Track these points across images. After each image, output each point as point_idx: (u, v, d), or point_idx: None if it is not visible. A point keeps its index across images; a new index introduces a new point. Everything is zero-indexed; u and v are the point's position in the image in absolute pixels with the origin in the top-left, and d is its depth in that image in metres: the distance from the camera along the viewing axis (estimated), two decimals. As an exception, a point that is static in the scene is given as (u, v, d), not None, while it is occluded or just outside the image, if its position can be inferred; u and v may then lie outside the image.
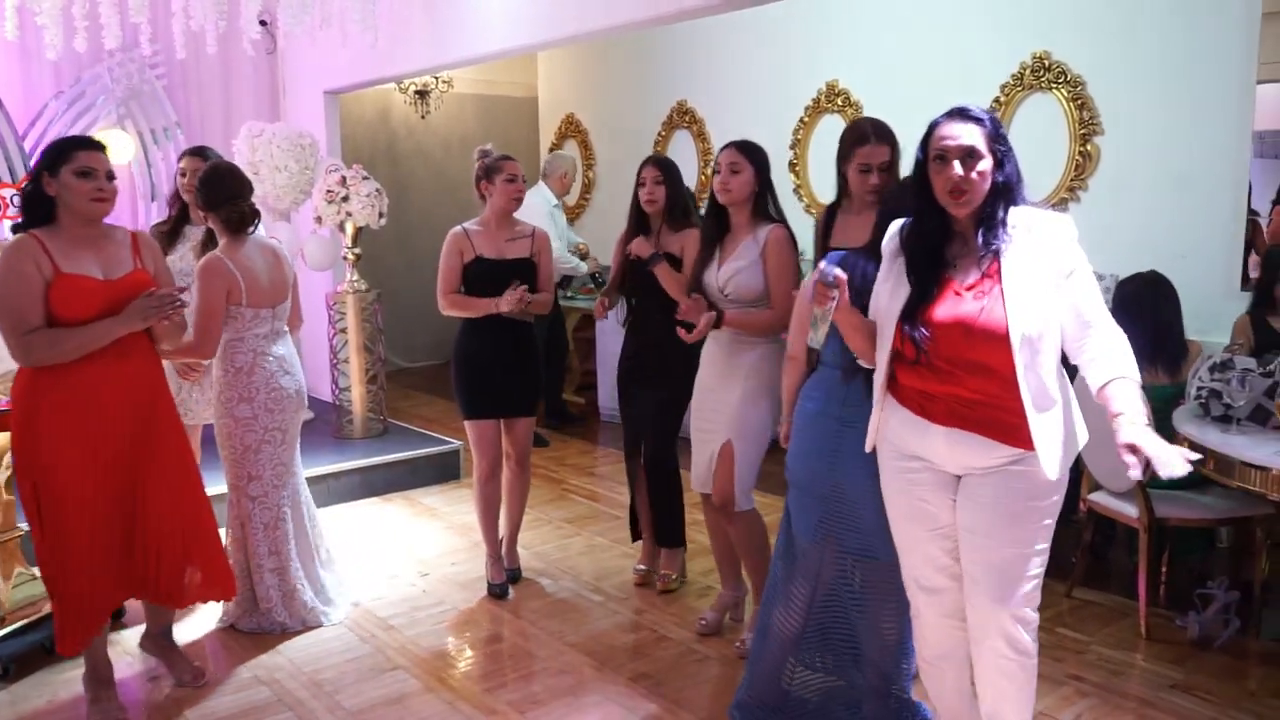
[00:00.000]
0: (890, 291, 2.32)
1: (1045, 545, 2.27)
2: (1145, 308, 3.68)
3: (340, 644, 3.42)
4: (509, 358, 3.64)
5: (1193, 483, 3.12)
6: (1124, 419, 2.03)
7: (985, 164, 2.16)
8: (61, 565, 2.72)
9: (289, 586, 3.47)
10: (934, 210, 2.24)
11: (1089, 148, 4.96)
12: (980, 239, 2.19)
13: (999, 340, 2.13)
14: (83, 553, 2.72)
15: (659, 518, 3.76)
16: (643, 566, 3.93)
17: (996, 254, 2.17)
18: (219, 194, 3.34)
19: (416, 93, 8.17)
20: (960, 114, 2.20)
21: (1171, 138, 4.66)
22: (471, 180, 3.74)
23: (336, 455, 5.18)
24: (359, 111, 8.31)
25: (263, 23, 5.65)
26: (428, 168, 8.70)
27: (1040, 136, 5.12)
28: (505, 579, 3.83)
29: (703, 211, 3.39)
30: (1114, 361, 2.13)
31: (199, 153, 3.97)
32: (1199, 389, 3.13)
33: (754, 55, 6.50)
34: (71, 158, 2.66)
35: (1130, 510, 3.45)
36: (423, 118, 8.37)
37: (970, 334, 2.17)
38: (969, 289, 2.20)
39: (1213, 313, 4.31)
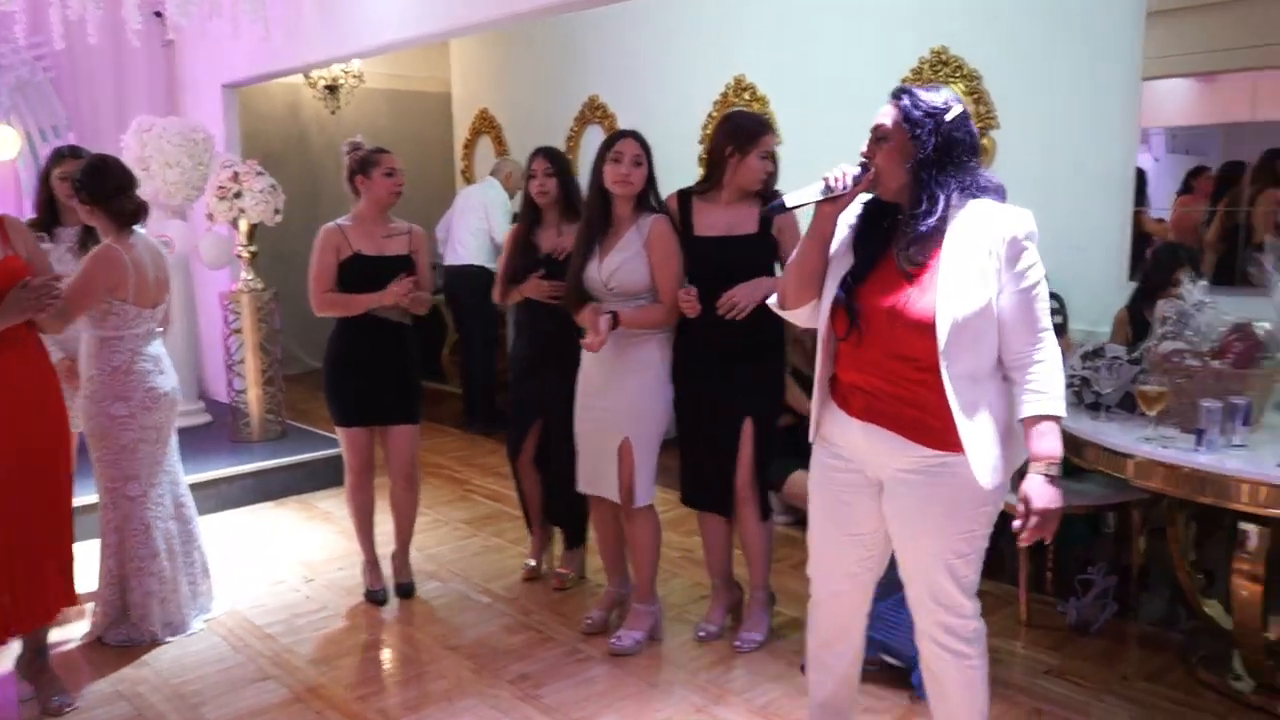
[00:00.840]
0: (838, 261, 2.21)
1: (973, 553, 2.17)
2: None
3: (212, 654, 3.30)
4: (384, 362, 3.51)
5: (1071, 471, 3.15)
6: (1038, 468, 2.03)
7: (889, 149, 2.09)
8: None
9: (164, 593, 3.35)
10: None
11: (985, 141, 5.00)
12: (918, 222, 2.08)
13: (925, 330, 2.04)
14: None
15: (565, 513, 3.71)
16: (532, 562, 3.89)
17: (938, 240, 2.07)
18: (105, 185, 3.21)
19: (326, 88, 8.01)
20: (893, 94, 2.15)
21: (1063, 132, 4.71)
22: (345, 175, 3.62)
23: (231, 459, 5.04)
24: (268, 106, 8.12)
25: (157, 13, 5.49)
26: (340, 163, 8.49)
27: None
28: (383, 586, 3.73)
29: None
30: (1049, 397, 2.05)
31: (74, 154, 3.82)
32: (1070, 376, 3.15)
33: (663, 49, 6.47)
34: None
35: (1012, 499, 3.46)
36: (333, 113, 8.21)
37: (895, 320, 2.09)
38: (907, 272, 2.11)
39: (1104, 305, 4.37)
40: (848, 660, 2.43)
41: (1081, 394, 3.18)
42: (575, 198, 3.50)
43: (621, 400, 3.05)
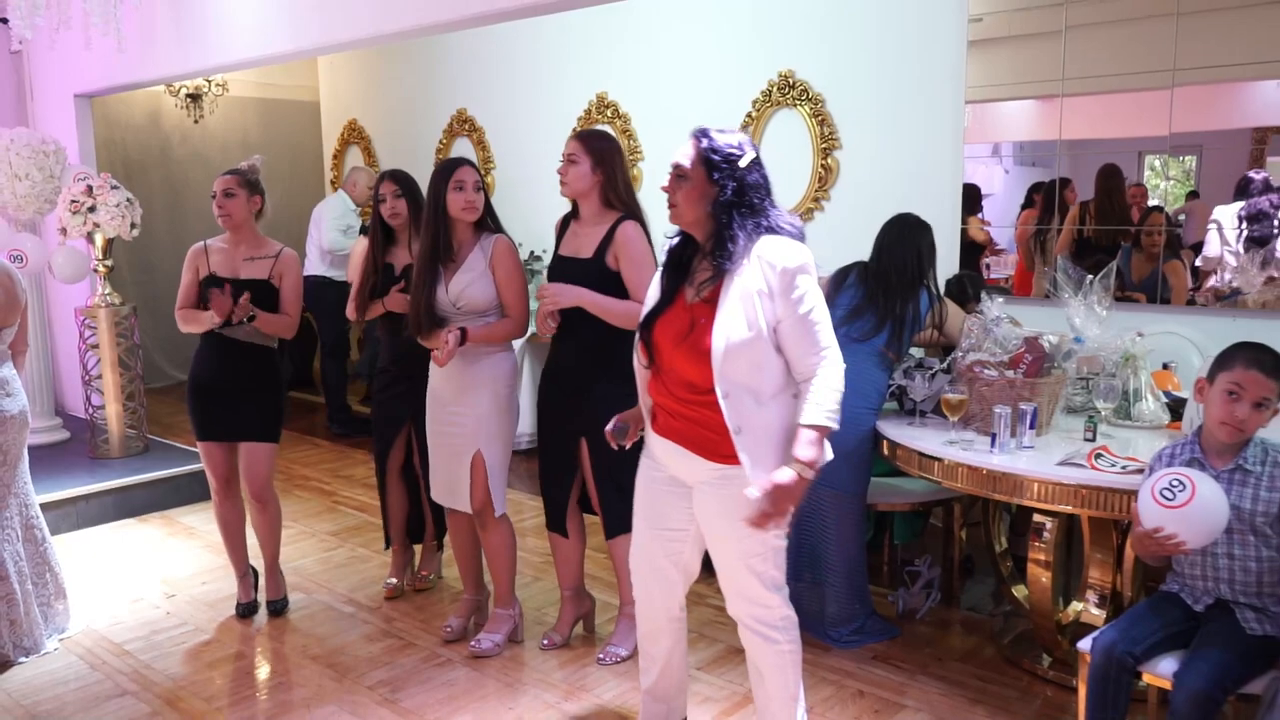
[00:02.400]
0: (650, 298, 2.43)
1: (768, 552, 2.36)
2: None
3: (68, 673, 3.31)
4: (240, 380, 3.51)
5: (897, 470, 3.44)
6: (794, 466, 2.21)
7: (689, 189, 2.28)
8: None
9: (13, 615, 3.33)
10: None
11: (829, 161, 5.32)
12: (710, 259, 2.29)
13: (704, 356, 2.25)
14: None
15: (436, 516, 3.82)
16: (393, 580, 3.95)
17: (723, 275, 2.27)
18: None
19: (188, 96, 7.87)
20: (691, 134, 2.32)
21: (899, 152, 5.06)
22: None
23: (89, 476, 4.97)
24: (128, 115, 7.93)
25: (2, 20, 5.36)
26: (206, 172, 8.35)
27: (789, 150, 5.45)
28: (254, 598, 3.78)
29: None
30: (817, 409, 2.24)
31: None
32: (891, 385, 3.44)
33: (530, 66, 6.62)
34: None
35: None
36: (195, 122, 8.07)
37: (679, 347, 2.31)
38: (693, 305, 2.32)
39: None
40: (665, 649, 2.63)
41: (902, 401, 3.47)
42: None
43: (472, 414, 3.18)
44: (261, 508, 3.67)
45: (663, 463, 2.47)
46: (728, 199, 2.26)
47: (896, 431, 3.28)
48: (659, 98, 5.96)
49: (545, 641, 3.42)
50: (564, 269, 3.08)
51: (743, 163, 2.29)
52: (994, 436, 2.94)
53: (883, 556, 4.17)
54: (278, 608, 3.78)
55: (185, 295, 3.57)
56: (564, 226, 3.22)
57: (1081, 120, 4.52)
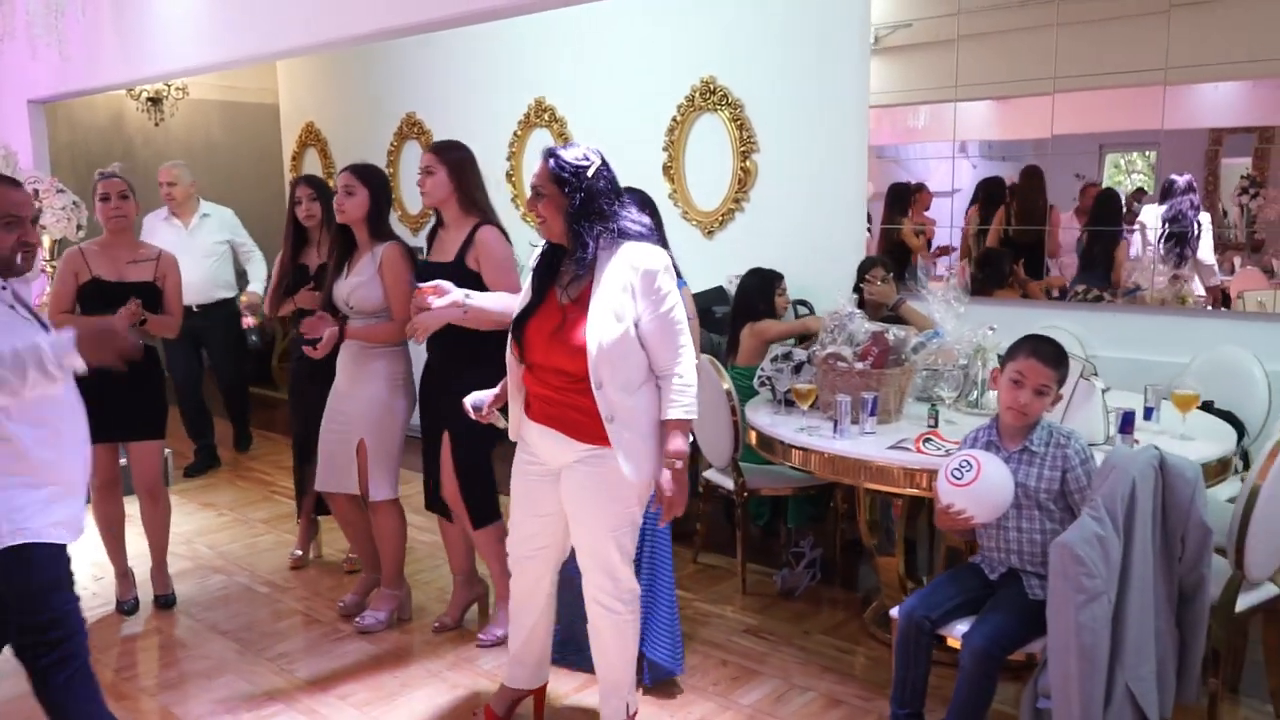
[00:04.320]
0: (522, 300, 2.66)
1: (631, 527, 2.62)
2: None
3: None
4: (124, 379, 3.32)
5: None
6: (667, 462, 2.48)
7: (547, 204, 2.51)
8: None
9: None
10: None
11: (748, 164, 5.54)
12: (575, 262, 2.52)
13: (577, 350, 2.48)
14: None
15: None
16: (299, 551, 4.27)
17: (590, 277, 2.50)
18: None
19: (149, 99, 8.10)
20: (543, 154, 2.54)
21: (809, 155, 5.29)
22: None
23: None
24: (90, 118, 8.17)
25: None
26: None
27: (711, 153, 5.68)
28: (134, 596, 3.86)
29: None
30: (678, 405, 2.50)
31: None
32: (760, 377, 3.67)
33: (474, 71, 6.84)
34: None
35: (729, 483, 3.98)
36: (156, 125, 8.29)
37: (552, 342, 2.53)
38: (564, 305, 2.54)
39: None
40: (535, 617, 2.85)
41: (774, 390, 3.70)
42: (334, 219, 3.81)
43: (358, 406, 3.43)
44: (153, 503, 3.77)
45: (537, 450, 2.66)
46: (577, 208, 2.50)
47: (760, 420, 3.51)
48: (591, 101, 6.18)
49: (436, 624, 3.64)
50: (430, 272, 3.29)
51: (590, 173, 2.51)
52: (835, 422, 3.17)
53: (779, 540, 4.41)
54: (167, 602, 3.87)
55: (60, 301, 3.56)
56: (433, 235, 3.45)
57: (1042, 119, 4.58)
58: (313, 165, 8.19)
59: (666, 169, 5.87)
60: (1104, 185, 4.52)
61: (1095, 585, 2.30)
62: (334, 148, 8.04)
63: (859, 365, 3.29)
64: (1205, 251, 4.26)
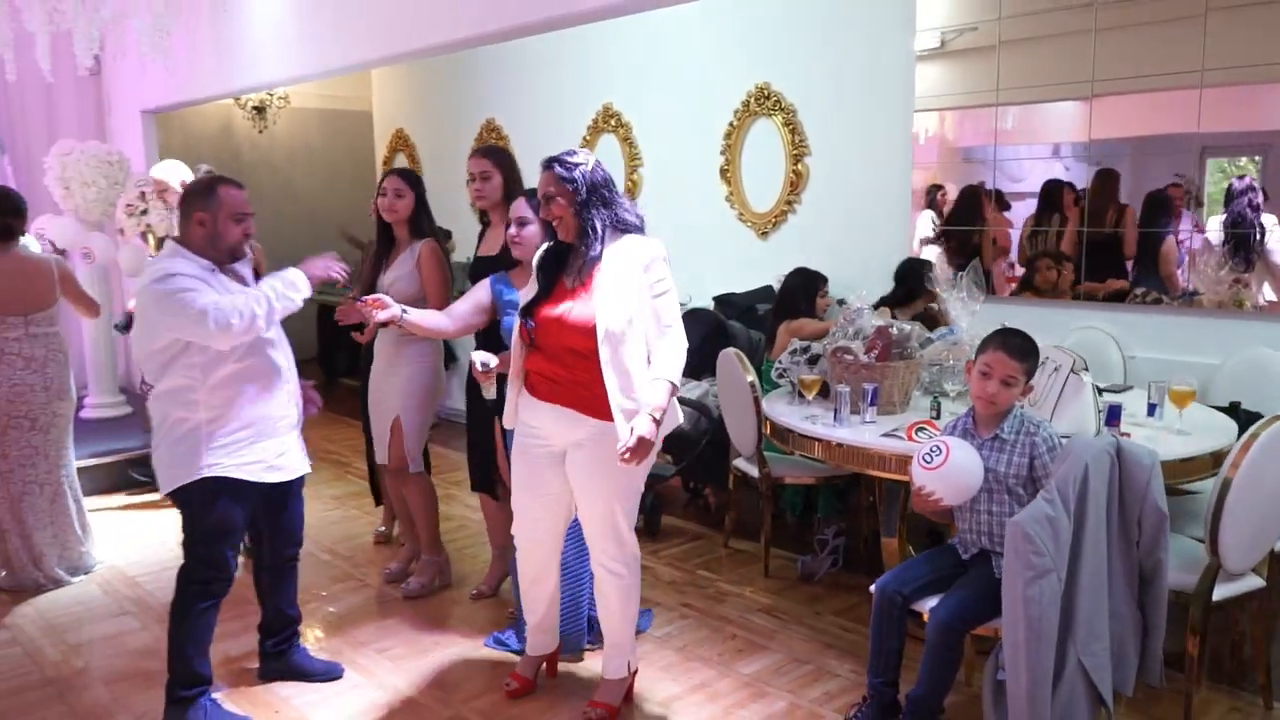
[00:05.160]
0: (526, 293, 2.95)
1: (636, 496, 2.90)
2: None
3: (85, 596, 4.01)
4: None
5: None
6: (646, 409, 2.69)
7: (560, 203, 2.79)
8: None
9: (35, 552, 4.04)
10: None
11: (800, 167, 5.72)
12: (581, 257, 2.82)
13: (587, 331, 2.74)
14: None
15: None
16: (382, 528, 4.59)
17: (593, 266, 2.78)
18: None
19: (254, 109, 8.69)
20: (544, 164, 2.83)
21: (857, 158, 5.44)
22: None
23: (137, 444, 5.72)
24: (202, 126, 8.81)
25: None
26: (274, 179, 9.23)
27: (766, 157, 5.88)
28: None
29: None
30: (663, 367, 2.75)
31: None
32: (777, 369, 3.86)
33: (547, 78, 7.18)
34: None
35: (755, 471, 4.17)
36: (260, 132, 8.89)
37: (564, 325, 2.79)
38: (572, 292, 2.82)
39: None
40: (549, 591, 3.11)
41: (791, 383, 3.88)
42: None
43: (394, 387, 3.77)
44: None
45: (542, 430, 2.89)
46: (584, 198, 2.79)
47: (773, 410, 3.70)
48: (653, 107, 6.45)
49: (474, 593, 3.94)
50: (481, 265, 3.58)
51: (588, 167, 2.81)
52: (836, 411, 3.35)
53: (812, 529, 4.58)
54: None
55: None
56: (482, 232, 3.77)
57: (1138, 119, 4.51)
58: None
59: (724, 172, 6.09)
60: (1208, 190, 4.36)
61: (1043, 563, 2.44)
62: (421, 152, 8.49)
63: (864, 358, 3.46)
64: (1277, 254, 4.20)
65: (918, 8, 5.05)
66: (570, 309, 2.80)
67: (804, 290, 4.47)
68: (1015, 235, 5.00)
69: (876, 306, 4.36)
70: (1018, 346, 2.70)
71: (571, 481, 2.91)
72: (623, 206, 2.87)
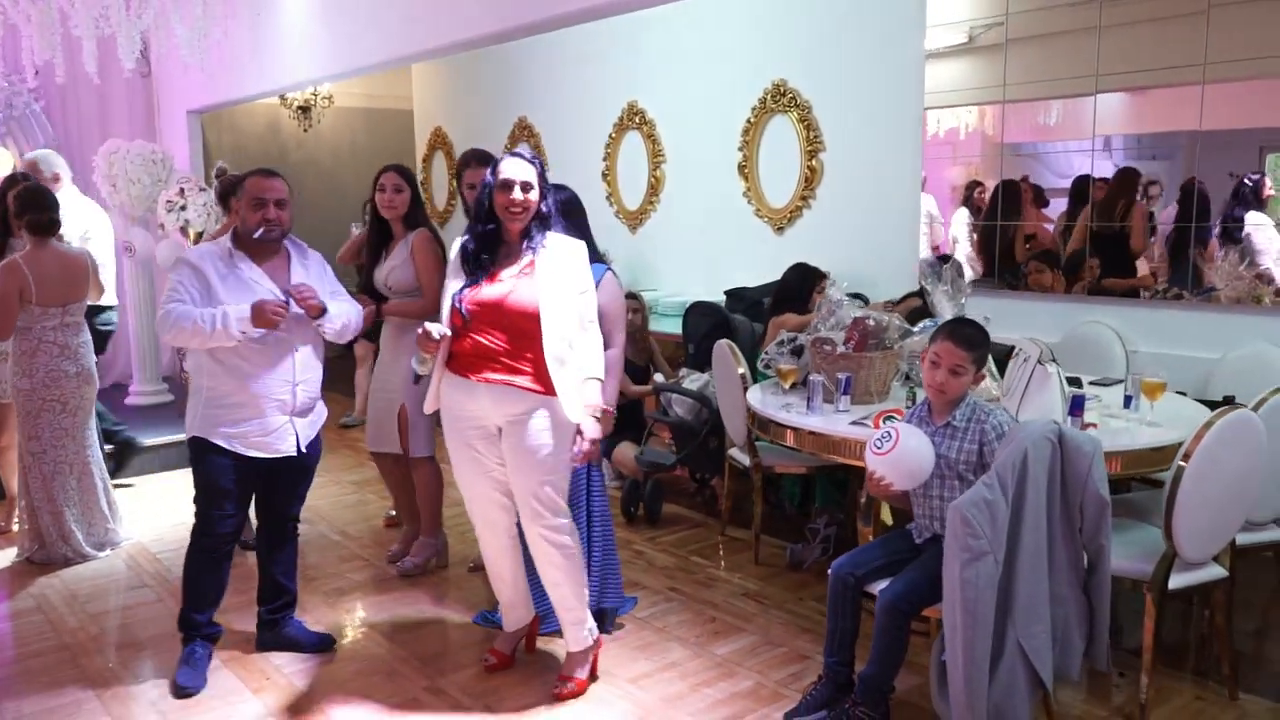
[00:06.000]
0: (450, 285, 3.05)
1: (564, 468, 2.98)
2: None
3: (109, 570, 4.26)
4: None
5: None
6: (589, 411, 2.91)
7: (534, 193, 2.96)
8: None
9: (65, 529, 4.29)
10: (493, 221, 3.00)
11: (815, 163, 5.77)
12: (524, 244, 2.98)
13: (529, 313, 2.89)
14: None
15: None
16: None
17: (533, 256, 2.96)
18: (21, 207, 4.19)
19: (299, 108, 8.98)
20: (518, 156, 2.99)
21: (870, 155, 5.48)
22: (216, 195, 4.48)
23: (172, 429, 5.99)
24: (250, 125, 9.13)
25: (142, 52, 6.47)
26: (319, 176, 9.53)
27: (781, 153, 5.94)
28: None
29: None
30: (590, 365, 2.98)
31: (24, 179, 4.76)
32: (763, 360, 3.94)
33: (576, 77, 7.33)
34: None
35: (747, 460, 4.25)
36: (305, 131, 9.18)
37: (504, 306, 2.92)
38: (510, 278, 2.95)
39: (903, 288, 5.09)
40: (512, 567, 3.21)
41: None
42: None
43: (399, 375, 3.92)
44: None
45: (477, 410, 2.97)
46: (548, 205, 3.03)
47: (753, 399, 3.78)
48: (675, 103, 6.56)
49: (471, 565, 4.12)
50: None
51: (547, 171, 3.08)
52: (809, 400, 3.42)
53: (809, 514, 4.64)
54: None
55: None
56: None
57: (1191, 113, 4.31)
58: (439, 167, 8.89)
59: (741, 168, 6.17)
60: (1270, 186, 4.24)
61: (980, 545, 2.49)
62: (458, 150, 8.69)
63: (841, 349, 3.53)
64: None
65: (928, 4, 5.07)
66: (514, 292, 2.92)
67: (798, 286, 4.54)
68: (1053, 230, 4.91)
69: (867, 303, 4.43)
70: (965, 336, 2.75)
71: (505, 455, 2.99)
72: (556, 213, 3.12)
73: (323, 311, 3.19)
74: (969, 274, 5.03)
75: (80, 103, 7.23)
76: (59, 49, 5.62)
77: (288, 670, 3.34)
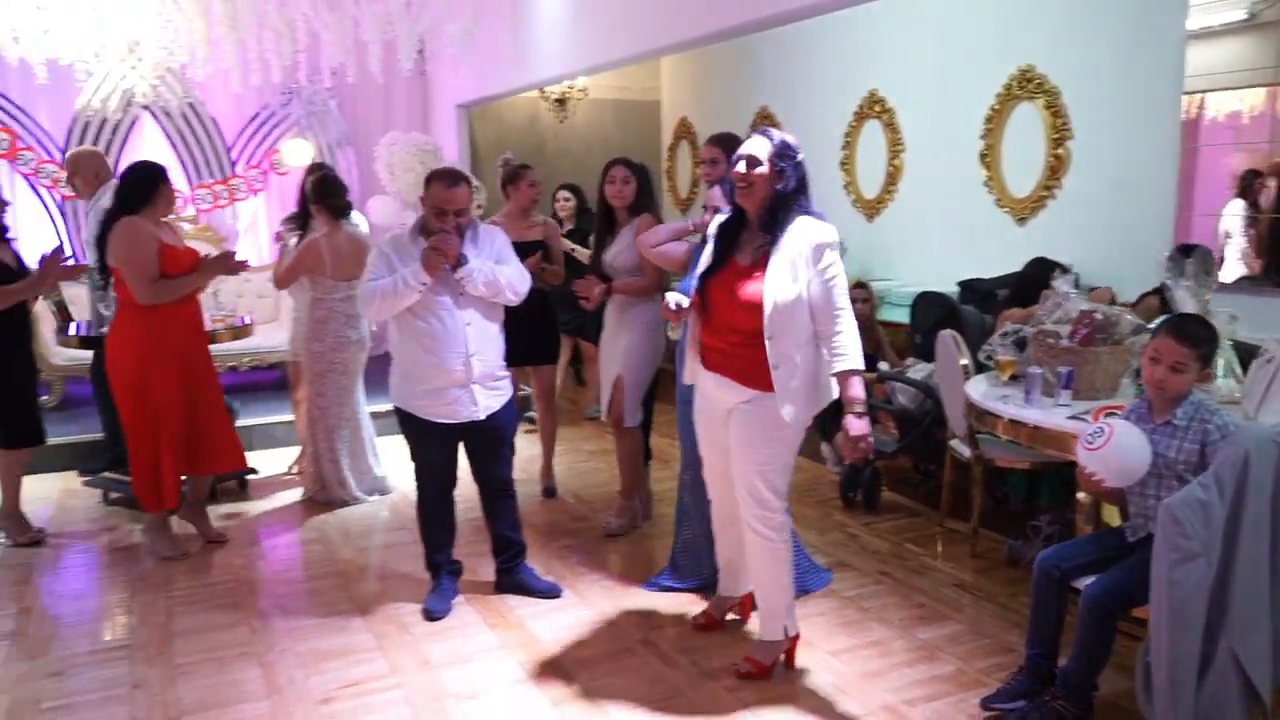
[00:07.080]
0: (704, 261, 3.16)
1: (779, 465, 3.04)
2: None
3: (375, 513, 4.85)
4: (525, 318, 4.21)
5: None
6: (850, 408, 2.92)
7: (761, 169, 2.96)
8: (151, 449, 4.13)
9: (340, 476, 4.91)
10: (737, 204, 3.07)
11: (1061, 151, 5.56)
12: (760, 231, 3.03)
13: (754, 308, 2.93)
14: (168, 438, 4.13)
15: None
16: None
17: (770, 244, 2.98)
18: (320, 191, 4.83)
19: (556, 101, 9.54)
20: (759, 133, 3.01)
21: (1121, 143, 5.22)
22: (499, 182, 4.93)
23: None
24: (512, 118, 9.79)
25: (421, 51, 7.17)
26: (573, 165, 10.06)
27: (1026, 141, 5.77)
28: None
29: None
30: (848, 358, 2.91)
31: (320, 168, 5.43)
32: (985, 351, 3.90)
33: (816, 66, 7.38)
34: None
35: (967, 452, 4.23)
36: (561, 122, 9.74)
37: (733, 300, 3.02)
38: (744, 268, 3.04)
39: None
40: (735, 533, 3.41)
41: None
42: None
43: (618, 347, 4.23)
44: (548, 412, 5.03)
45: (710, 394, 3.16)
46: (788, 189, 2.97)
47: (973, 390, 3.76)
48: (915, 91, 6.50)
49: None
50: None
51: (800, 157, 3.00)
52: (1027, 392, 3.39)
53: (1033, 511, 4.54)
54: (549, 492, 5.07)
55: None
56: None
57: None
58: (684, 156, 9.19)
59: (983, 156, 6.04)
60: None
61: (1190, 546, 2.43)
62: (700, 139, 8.96)
63: (1065, 342, 3.46)
64: None
65: (1191, -16, 4.78)
66: (742, 288, 2.97)
67: (1036, 280, 4.43)
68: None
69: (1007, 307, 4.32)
70: (1188, 333, 2.67)
71: (730, 441, 3.12)
72: (812, 203, 3.04)
73: (460, 263, 3.40)
74: (1240, 270, 4.75)
75: (367, 99, 8.07)
76: (351, 52, 6.33)
77: (519, 611, 3.71)
